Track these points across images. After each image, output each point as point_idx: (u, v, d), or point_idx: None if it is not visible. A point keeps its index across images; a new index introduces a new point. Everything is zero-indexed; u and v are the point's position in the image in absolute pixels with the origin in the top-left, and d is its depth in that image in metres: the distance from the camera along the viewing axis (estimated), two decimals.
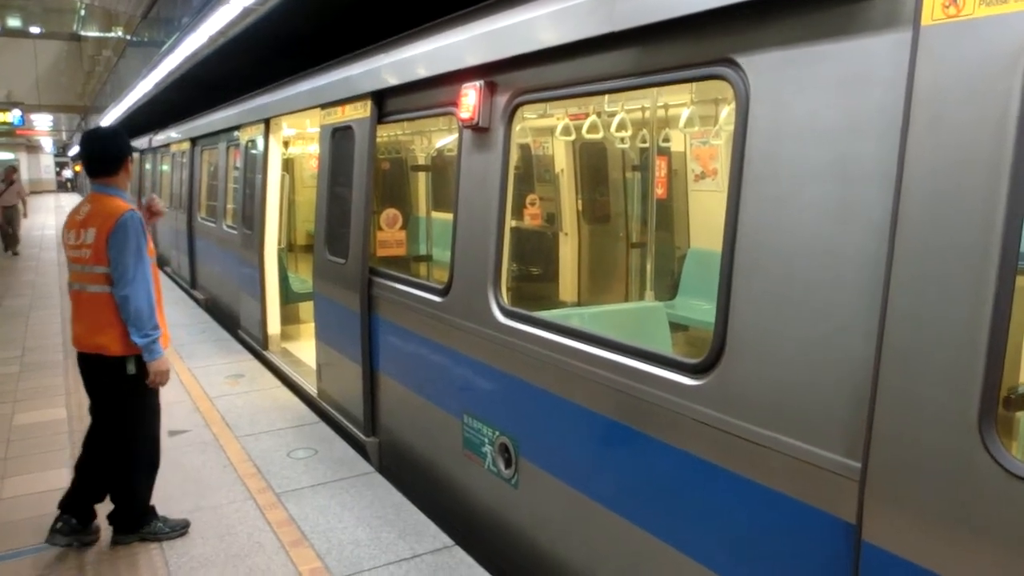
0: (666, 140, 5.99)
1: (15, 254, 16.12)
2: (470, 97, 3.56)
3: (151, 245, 3.58)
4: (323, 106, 5.59)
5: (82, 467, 3.67)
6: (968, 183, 1.65)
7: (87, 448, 3.68)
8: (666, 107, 5.63)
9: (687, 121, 4.98)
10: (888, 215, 1.82)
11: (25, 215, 17.75)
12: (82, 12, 34.57)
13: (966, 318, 1.66)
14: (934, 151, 1.72)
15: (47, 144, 51.52)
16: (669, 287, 6.21)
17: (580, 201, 7.07)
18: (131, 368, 3.50)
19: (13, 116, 20.93)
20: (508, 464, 3.44)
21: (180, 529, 3.76)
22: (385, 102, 4.73)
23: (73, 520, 3.60)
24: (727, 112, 4.73)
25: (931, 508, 1.74)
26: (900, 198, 1.78)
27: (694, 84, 4.42)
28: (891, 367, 1.80)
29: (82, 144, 3.65)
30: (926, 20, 1.73)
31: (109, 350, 3.47)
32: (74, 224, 3.54)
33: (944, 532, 1.72)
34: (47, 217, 26.70)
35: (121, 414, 3.60)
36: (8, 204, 16.09)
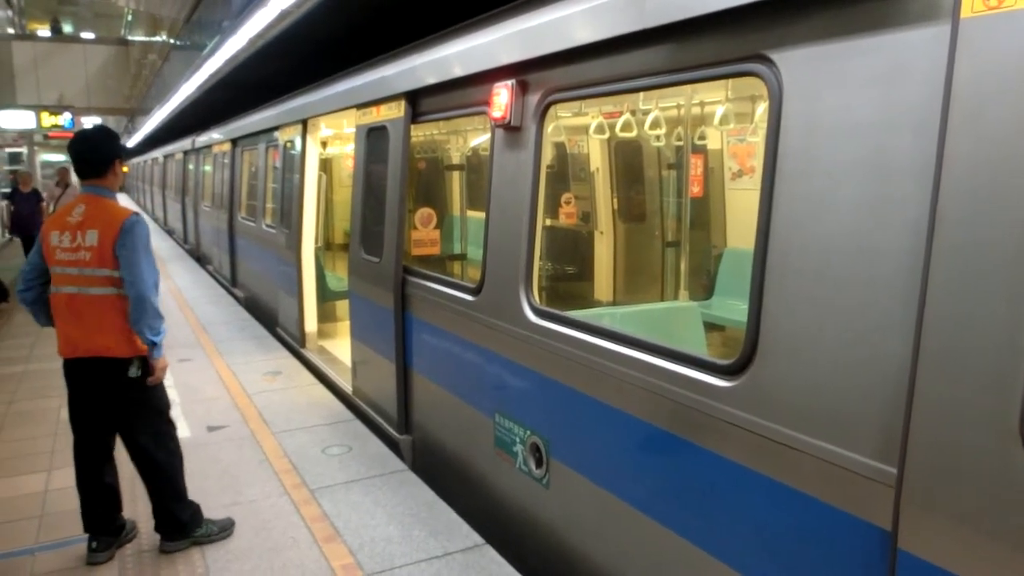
0: (702, 138, 5.92)
1: None
2: (502, 96, 3.56)
3: None
4: (358, 106, 5.65)
5: (89, 483, 3.54)
6: (1009, 178, 1.60)
7: (85, 462, 3.54)
8: (701, 104, 5.56)
9: (722, 118, 4.91)
10: (926, 212, 1.77)
11: None
12: (129, 17, 35.51)
13: (1007, 318, 1.60)
14: (974, 146, 1.66)
15: None
16: (705, 287, 6.14)
17: (615, 200, 7.02)
18: (135, 371, 3.42)
19: (64, 119, 21.51)
20: (539, 464, 3.44)
21: (230, 528, 3.79)
22: (419, 102, 4.76)
23: (107, 537, 3.57)
24: (763, 109, 4.65)
25: (970, 515, 1.68)
26: (938, 194, 1.73)
27: (729, 80, 4.36)
28: (929, 369, 1.75)
29: (71, 145, 3.50)
30: (966, 12, 1.68)
31: (114, 352, 3.37)
32: (67, 225, 3.37)
33: (984, 540, 1.66)
34: None
35: (132, 419, 3.51)
36: None
